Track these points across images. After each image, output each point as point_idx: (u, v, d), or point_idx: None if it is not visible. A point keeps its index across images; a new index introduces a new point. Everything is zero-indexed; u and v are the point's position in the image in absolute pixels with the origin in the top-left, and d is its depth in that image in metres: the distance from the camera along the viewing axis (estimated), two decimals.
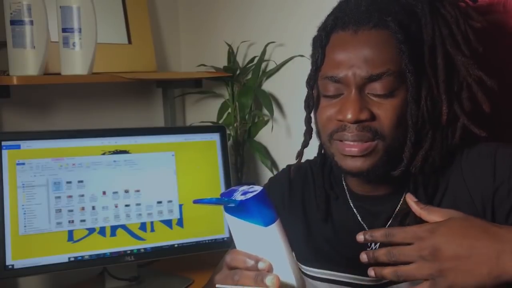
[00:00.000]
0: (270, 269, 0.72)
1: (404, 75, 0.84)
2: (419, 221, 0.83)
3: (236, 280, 0.73)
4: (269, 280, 0.70)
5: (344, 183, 0.99)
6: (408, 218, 0.88)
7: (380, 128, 0.85)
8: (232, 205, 0.70)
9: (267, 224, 0.70)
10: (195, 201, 0.72)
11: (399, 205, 0.92)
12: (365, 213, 0.95)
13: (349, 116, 0.83)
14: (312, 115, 0.93)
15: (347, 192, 0.97)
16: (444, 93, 0.88)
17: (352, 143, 0.85)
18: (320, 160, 1.01)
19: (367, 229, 0.93)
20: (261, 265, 0.72)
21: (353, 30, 0.85)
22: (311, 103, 0.91)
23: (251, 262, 0.72)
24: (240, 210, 0.70)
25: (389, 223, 0.92)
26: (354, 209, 0.96)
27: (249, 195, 0.70)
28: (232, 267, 0.75)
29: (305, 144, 0.96)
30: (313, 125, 0.95)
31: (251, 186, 0.73)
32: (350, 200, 0.97)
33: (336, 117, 0.86)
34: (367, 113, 0.84)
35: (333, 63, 0.86)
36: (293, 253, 0.76)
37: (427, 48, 0.87)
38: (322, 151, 1.00)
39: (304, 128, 0.95)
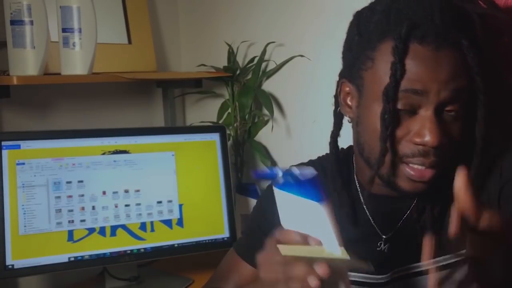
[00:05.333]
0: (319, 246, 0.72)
1: (473, 94, 0.81)
2: (437, 218, 0.83)
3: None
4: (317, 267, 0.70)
5: (357, 183, 0.97)
6: (424, 215, 0.88)
7: (450, 153, 0.82)
8: (291, 179, 0.71)
9: (321, 200, 0.72)
10: (255, 175, 0.72)
11: (413, 204, 0.91)
12: (376, 213, 0.94)
13: (429, 138, 0.79)
14: (358, 127, 0.87)
15: (360, 193, 0.96)
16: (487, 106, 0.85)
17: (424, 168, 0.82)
18: (336, 165, 0.96)
19: (378, 230, 0.94)
20: (311, 242, 0.71)
21: (433, 46, 0.80)
22: (389, 120, 0.81)
23: (301, 239, 0.72)
24: (296, 185, 0.71)
25: (400, 222, 0.92)
26: (366, 211, 0.95)
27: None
28: (280, 243, 0.74)
29: (379, 164, 0.84)
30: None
31: (301, 166, 0.75)
32: (362, 201, 0.95)
33: (413, 139, 0.82)
34: (446, 138, 0.81)
35: (415, 77, 0.80)
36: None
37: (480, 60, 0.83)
38: (333, 153, 0.96)
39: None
